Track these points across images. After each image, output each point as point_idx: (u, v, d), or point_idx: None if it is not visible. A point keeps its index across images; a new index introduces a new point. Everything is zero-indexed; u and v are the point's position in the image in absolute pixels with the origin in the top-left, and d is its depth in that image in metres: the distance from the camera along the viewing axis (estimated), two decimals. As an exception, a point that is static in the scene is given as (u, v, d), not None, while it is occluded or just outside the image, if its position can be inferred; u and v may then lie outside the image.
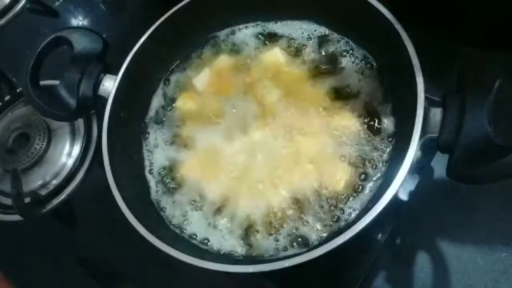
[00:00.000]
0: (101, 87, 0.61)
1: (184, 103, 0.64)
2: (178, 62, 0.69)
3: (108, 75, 0.62)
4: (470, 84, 0.43)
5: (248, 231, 0.54)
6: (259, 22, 0.68)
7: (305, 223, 0.52)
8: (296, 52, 0.64)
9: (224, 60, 0.66)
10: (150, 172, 0.62)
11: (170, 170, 0.61)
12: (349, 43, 0.62)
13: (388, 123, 0.55)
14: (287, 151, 0.56)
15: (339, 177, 0.53)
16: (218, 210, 0.56)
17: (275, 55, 0.64)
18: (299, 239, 0.51)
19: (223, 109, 0.62)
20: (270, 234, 0.53)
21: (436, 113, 0.45)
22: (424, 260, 0.55)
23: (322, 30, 0.64)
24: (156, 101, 0.67)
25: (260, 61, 0.65)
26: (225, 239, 0.54)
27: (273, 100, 0.60)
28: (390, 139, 0.54)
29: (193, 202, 0.57)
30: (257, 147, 0.58)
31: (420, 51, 0.47)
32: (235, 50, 0.67)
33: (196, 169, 0.59)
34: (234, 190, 0.56)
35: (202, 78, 0.65)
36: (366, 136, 0.55)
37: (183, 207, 0.58)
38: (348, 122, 0.56)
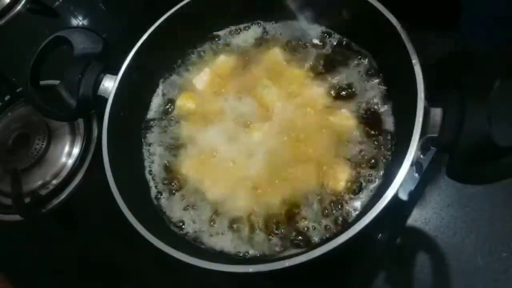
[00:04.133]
0: (101, 87, 0.61)
1: (184, 103, 0.64)
2: (178, 62, 0.69)
3: (108, 75, 0.62)
4: (470, 84, 0.43)
5: (248, 231, 0.54)
6: (259, 22, 0.68)
7: (305, 223, 0.52)
8: (296, 52, 0.64)
9: (224, 60, 0.66)
10: (150, 172, 0.62)
11: (170, 170, 0.61)
12: (349, 43, 0.62)
13: (388, 123, 0.55)
14: (287, 150, 0.56)
15: (340, 177, 0.53)
16: (218, 210, 0.56)
17: (275, 55, 0.64)
18: (300, 239, 0.51)
19: (223, 109, 0.62)
20: (271, 234, 0.53)
21: (436, 113, 0.45)
22: (424, 260, 0.55)
23: (322, 30, 0.64)
24: (156, 101, 0.67)
25: (260, 61, 0.65)
26: (225, 239, 0.54)
27: (273, 100, 0.60)
28: (390, 139, 0.54)
29: (193, 202, 0.57)
30: (257, 147, 0.58)
31: (420, 51, 0.47)
32: (235, 50, 0.67)
33: (195, 169, 0.59)
34: (234, 190, 0.56)
35: (202, 78, 0.65)
36: (366, 136, 0.55)
37: (183, 207, 0.57)
38: (348, 122, 0.56)
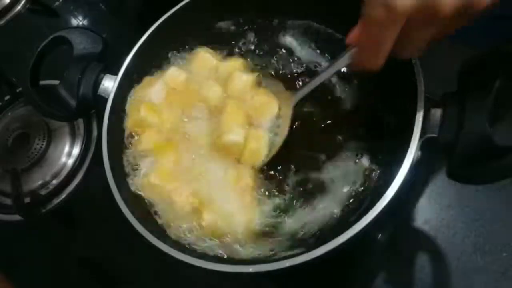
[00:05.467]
0: (101, 87, 0.61)
1: (146, 116, 0.60)
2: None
3: (108, 75, 0.62)
4: (470, 84, 0.43)
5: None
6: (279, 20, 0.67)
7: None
8: (295, 51, 0.64)
9: (174, 73, 0.62)
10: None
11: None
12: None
13: (388, 123, 0.55)
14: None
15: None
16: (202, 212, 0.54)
17: (203, 56, 0.63)
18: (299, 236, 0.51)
19: (180, 119, 0.60)
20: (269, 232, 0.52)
21: (436, 113, 0.45)
22: (424, 260, 0.55)
23: (322, 30, 0.64)
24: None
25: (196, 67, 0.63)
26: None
27: (218, 98, 0.58)
28: (390, 139, 0.54)
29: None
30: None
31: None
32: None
33: (163, 178, 0.56)
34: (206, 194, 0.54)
35: (156, 90, 0.61)
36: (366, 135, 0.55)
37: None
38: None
